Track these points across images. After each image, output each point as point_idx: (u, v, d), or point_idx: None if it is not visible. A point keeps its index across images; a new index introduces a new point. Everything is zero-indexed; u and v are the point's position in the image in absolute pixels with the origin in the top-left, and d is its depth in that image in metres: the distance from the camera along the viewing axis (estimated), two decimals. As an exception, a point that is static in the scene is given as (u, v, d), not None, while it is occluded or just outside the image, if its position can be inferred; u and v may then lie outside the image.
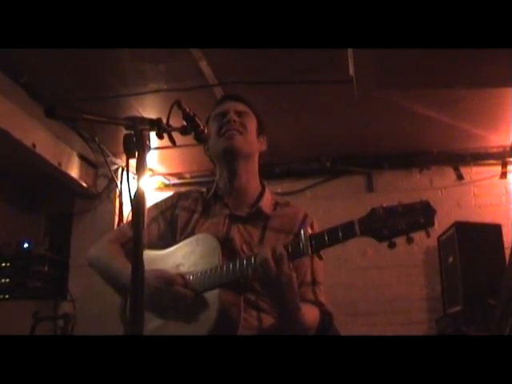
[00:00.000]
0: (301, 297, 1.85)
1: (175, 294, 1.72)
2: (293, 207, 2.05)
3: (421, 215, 1.49)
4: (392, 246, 1.50)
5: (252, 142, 2.02)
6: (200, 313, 1.70)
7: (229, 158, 1.98)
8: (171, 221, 2.02)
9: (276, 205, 2.01)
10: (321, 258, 1.67)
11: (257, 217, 1.94)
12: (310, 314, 1.80)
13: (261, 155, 2.10)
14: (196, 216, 1.99)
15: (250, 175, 2.02)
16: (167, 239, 1.97)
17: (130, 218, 2.07)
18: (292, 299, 1.66)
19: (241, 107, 2.05)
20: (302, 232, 1.62)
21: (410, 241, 1.50)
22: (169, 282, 1.73)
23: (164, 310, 1.75)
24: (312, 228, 1.86)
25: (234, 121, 1.98)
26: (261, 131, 2.09)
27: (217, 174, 2.07)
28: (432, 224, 1.49)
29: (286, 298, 1.65)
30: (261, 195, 2.01)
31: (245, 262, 1.68)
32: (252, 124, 2.05)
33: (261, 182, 2.07)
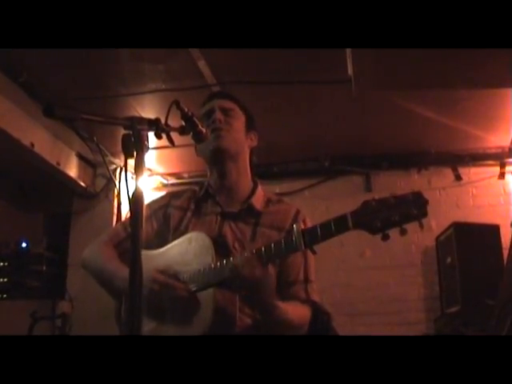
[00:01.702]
0: (293, 295, 1.86)
1: (170, 295, 1.71)
2: (285, 204, 2.04)
3: (413, 206, 1.50)
4: (385, 237, 1.50)
5: (239, 140, 2.00)
6: (195, 313, 1.70)
7: (217, 159, 1.97)
8: (164, 220, 2.01)
9: (268, 201, 2.01)
10: (314, 252, 1.66)
11: (248, 213, 1.94)
12: (296, 313, 1.80)
13: (253, 151, 2.09)
14: (189, 214, 1.98)
15: (240, 173, 2.01)
16: (160, 239, 1.96)
17: (127, 217, 2.08)
18: (265, 300, 1.68)
19: (227, 104, 2.03)
20: (295, 226, 1.61)
21: (403, 232, 1.50)
22: (164, 283, 1.73)
23: (158, 311, 1.75)
24: (305, 224, 1.86)
25: (220, 120, 1.96)
26: (250, 127, 2.07)
27: (208, 173, 2.07)
28: (425, 214, 1.49)
29: (260, 299, 1.67)
30: (252, 192, 2.00)
31: (239, 260, 1.68)
32: (239, 121, 2.03)
33: (253, 179, 2.06)
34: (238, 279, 1.61)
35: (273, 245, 1.63)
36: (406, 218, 1.49)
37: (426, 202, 1.50)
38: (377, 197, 1.54)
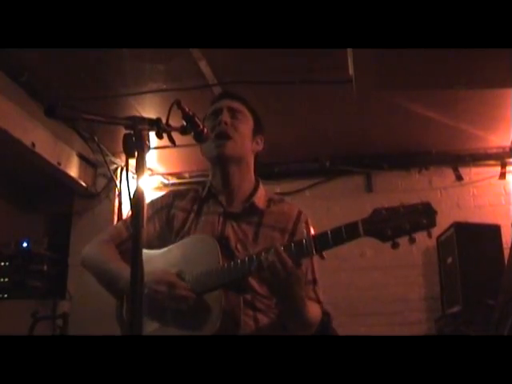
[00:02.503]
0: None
1: (177, 296, 1.70)
2: (287, 204, 2.03)
3: (423, 216, 1.54)
4: (395, 246, 1.54)
5: (244, 146, 1.98)
6: (202, 315, 1.69)
7: (221, 163, 1.97)
8: (167, 220, 1.99)
9: (270, 201, 2.00)
10: (322, 257, 1.67)
11: (251, 212, 1.93)
12: (314, 311, 1.81)
13: (258, 154, 2.07)
14: (192, 216, 1.97)
15: (243, 176, 1.99)
16: (163, 239, 1.95)
17: (129, 216, 2.07)
18: (298, 293, 1.68)
19: (236, 105, 2.00)
20: (305, 232, 1.63)
21: (412, 241, 1.54)
22: (170, 284, 1.72)
23: (163, 313, 1.74)
24: (307, 225, 1.87)
25: (226, 123, 1.94)
26: (257, 131, 2.05)
27: (210, 173, 2.05)
28: (434, 224, 1.53)
29: (296, 295, 1.66)
30: (254, 190, 1.99)
31: (246, 260, 1.68)
32: (246, 125, 2.00)
33: (255, 178, 2.05)
34: (275, 269, 1.58)
35: (282, 248, 1.63)
36: (416, 227, 1.53)
37: (435, 213, 1.54)
38: (386, 204, 1.56)
